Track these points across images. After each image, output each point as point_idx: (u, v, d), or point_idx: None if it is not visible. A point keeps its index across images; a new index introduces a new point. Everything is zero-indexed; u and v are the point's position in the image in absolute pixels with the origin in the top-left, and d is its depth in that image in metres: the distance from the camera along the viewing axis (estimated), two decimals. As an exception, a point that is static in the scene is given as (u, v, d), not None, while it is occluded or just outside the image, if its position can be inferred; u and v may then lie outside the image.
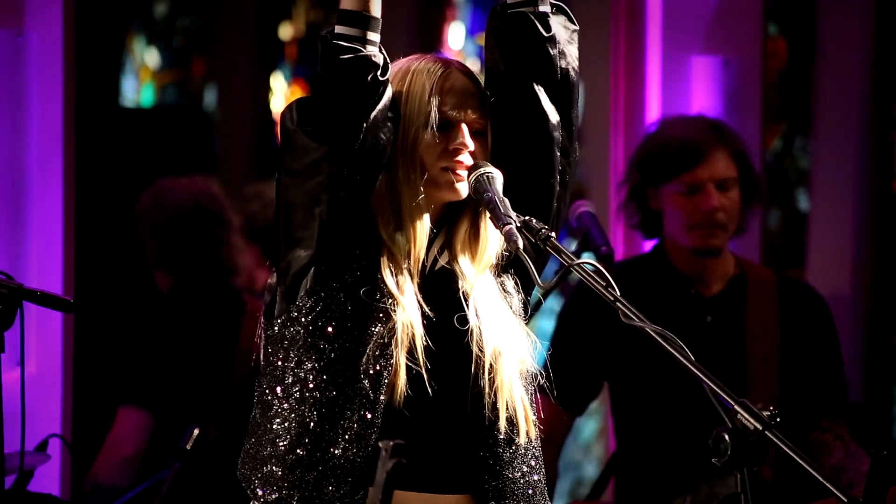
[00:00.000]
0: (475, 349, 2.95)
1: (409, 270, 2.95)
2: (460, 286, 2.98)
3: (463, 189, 2.95)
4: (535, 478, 3.01)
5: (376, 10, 2.94)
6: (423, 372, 2.91)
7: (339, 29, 2.91)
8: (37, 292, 3.20)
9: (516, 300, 3.02)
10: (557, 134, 3.02)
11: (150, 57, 9.56)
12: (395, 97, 2.95)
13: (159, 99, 9.57)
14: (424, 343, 2.92)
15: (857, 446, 4.22)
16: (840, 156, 6.48)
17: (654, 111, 5.27)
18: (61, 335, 4.29)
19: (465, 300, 2.97)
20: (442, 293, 2.97)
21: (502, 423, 2.96)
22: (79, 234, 4.39)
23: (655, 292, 4.23)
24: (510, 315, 3.00)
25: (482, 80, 3.06)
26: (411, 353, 2.91)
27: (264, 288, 3.03)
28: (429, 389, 2.92)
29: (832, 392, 4.27)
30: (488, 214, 2.91)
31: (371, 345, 2.90)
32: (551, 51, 3.02)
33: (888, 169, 6.62)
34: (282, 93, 9.44)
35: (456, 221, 3.00)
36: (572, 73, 3.06)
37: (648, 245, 4.52)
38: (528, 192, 3.01)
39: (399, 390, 2.90)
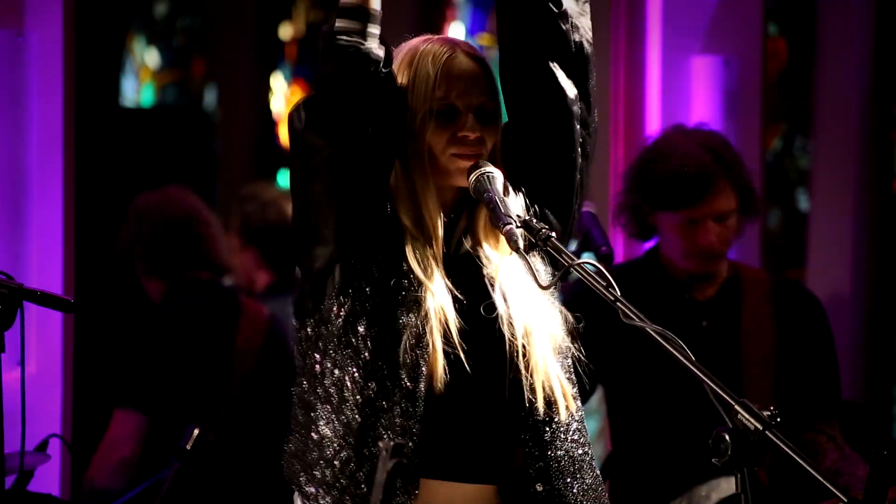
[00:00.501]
0: (507, 332, 2.94)
1: (434, 256, 2.95)
2: (485, 271, 2.97)
3: None
4: (580, 452, 2.99)
5: (376, 4, 2.94)
6: (461, 354, 2.90)
7: (339, 24, 2.91)
8: (37, 292, 3.20)
9: (543, 276, 2.98)
10: (576, 108, 3.01)
11: (150, 57, 9.56)
12: (402, 83, 2.95)
13: (159, 99, 9.57)
14: (459, 326, 2.91)
15: (850, 449, 4.22)
16: (840, 156, 6.48)
17: (654, 111, 5.27)
18: (61, 335, 4.29)
19: (492, 284, 2.96)
20: (467, 278, 2.97)
21: (540, 404, 2.94)
22: (79, 234, 4.38)
23: (649, 297, 4.21)
24: (537, 295, 2.98)
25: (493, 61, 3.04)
26: (446, 338, 2.91)
27: (292, 288, 3.04)
28: (468, 371, 2.91)
29: (825, 394, 4.26)
30: (489, 214, 2.91)
31: (406, 335, 2.90)
32: (563, 26, 3.00)
33: (888, 169, 6.62)
34: (282, 93, 9.44)
35: (477, 205, 2.98)
36: (586, 45, 3.04)
37: (648, 245, 4.52)
38: (549, 166, 3.00)
39: (438, 377, 2.89)
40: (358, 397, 2.90)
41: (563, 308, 3.03)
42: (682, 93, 5.29)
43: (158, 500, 4.02)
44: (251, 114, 9.45)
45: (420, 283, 2.92)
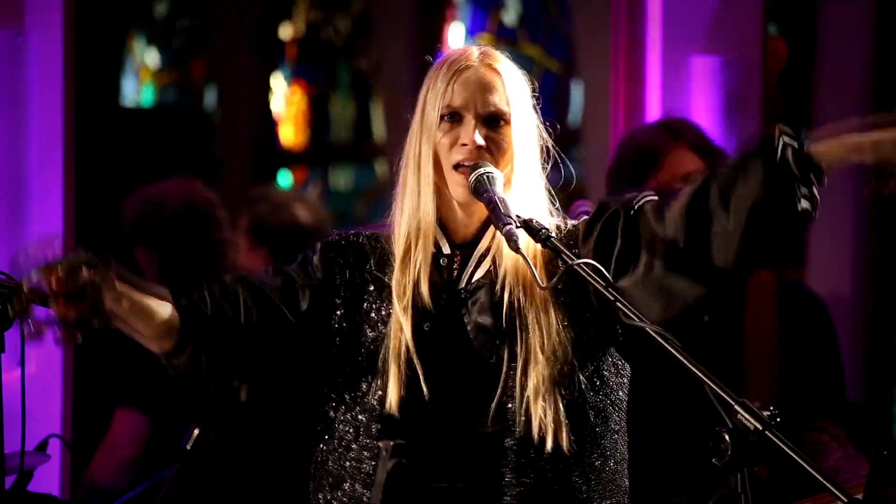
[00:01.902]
0: (504, 362, 2.93)
1: (416, 273, 2.96)
2: (498, 293, 2.96)
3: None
4: (577, 484, 2.95)
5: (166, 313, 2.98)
6: (421, 377, 2.91)
7: (178, 361, 3.02)
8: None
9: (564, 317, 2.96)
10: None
11: (150, 57, 9.56)
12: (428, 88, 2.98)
13: (159, 99, 9.57)
14: (413, 349, 2.92)
15: (854, 449, 4.22)
16: (840, 156, 6.46)
17: (654, 111, 5.27)
18: (61, 335, 4.28)
19: (502, 308, 2.95)
20: (474, 305, 2.97)
21: (534, 434, 2.92)
22: (79, 234, 4.38)
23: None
24: (551, 327, 2.94)
25: (513, 69, 3.03)
26: (411, 359, 2.92)
27: None
28: (428, 396, 2.92)
29: (829, 393, 4.27)
30: (489, 214, 2.91)
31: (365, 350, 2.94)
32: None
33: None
34: (282, 93, 9.44)
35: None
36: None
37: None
38: None
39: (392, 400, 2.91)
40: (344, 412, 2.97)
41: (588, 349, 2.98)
42: (682, 93, 5.29)
43: (158, 500, 4.02)
44: (251, 114, 9.45)
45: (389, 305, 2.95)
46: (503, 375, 2.92)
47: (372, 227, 3.08)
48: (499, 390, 2.91)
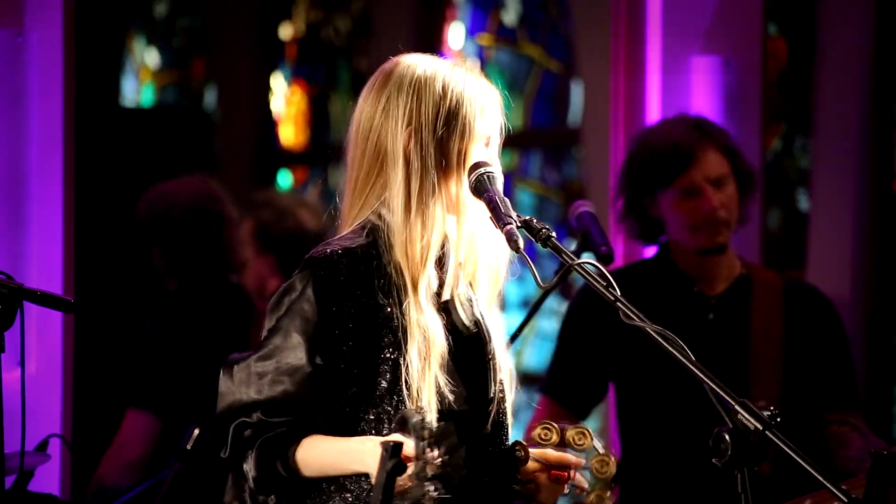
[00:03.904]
0: (491, 366, 2.96)
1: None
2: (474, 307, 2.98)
3: None
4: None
5: None
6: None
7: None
8: (37, 292, 3.20)
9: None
10: None
11: (150, 57, 9.56)
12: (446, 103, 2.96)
13: (159, 99, 9.57)
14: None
15: (875, 437, 4.23)
16: (840, 156, 6.47)
17: (654, 111, 5.27)
18: (61, 335, 4.29)
19: (481, 319, 2.98)
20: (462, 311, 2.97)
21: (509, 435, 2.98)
22: (79, 234, 4.38)
23: (658, 291, 4.23)
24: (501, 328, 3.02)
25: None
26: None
27: None
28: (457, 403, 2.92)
29: (844, 386, 4.28)
30: (489, 214, 2.91)
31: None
32: None
33: (888, 169, 6.62)
34: (282, 93, 9.44)
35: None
36: None
37: (647, 245, 4.52)
38: None
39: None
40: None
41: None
42: (682, 93, 5.28)
43: (158, 500, 4.02)
44: (251, 114, 9.45)
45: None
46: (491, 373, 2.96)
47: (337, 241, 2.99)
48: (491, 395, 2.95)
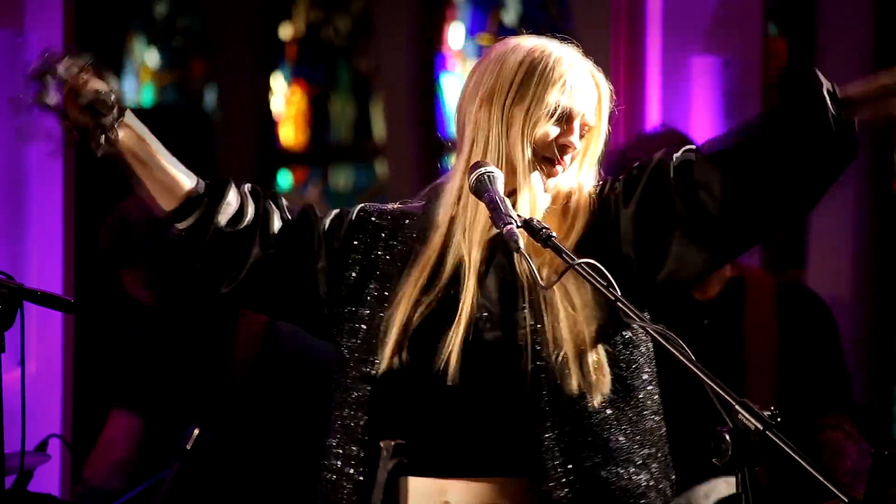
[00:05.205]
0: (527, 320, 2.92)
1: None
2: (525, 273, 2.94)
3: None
4: (620, 439, 2.94)
5: (187, 182, 2.98)
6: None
7: (182, 225, 2.96)
8: (37, 292, 3.20)
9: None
10: None
11: (150, 57, 9.56)
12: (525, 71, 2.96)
13: (159, 99, 9.56)
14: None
15: (866, 444, 4.22)
16: (840, 156, 6.46)
17: (654, 111, 5.27)
18: (61, 335, 4.29)
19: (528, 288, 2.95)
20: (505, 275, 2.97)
21: (571, 388, 2.90)
22: (79, 234, 4.38)
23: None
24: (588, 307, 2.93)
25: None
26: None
27: None
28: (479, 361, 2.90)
29: (834, 389, 4.27)
30: (489, 214, 2.90)
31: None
32: None
33: (888, 169, 6.62)
34: (282, 93, 9.44)
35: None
36: None
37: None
38: None
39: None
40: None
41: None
42: (682, 93, 5.29)
43: (158, 500, 4.02)
44: (251, 114, 9.45)
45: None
46: (529, 340, 2.91)
47: (404, 204, 3.09)
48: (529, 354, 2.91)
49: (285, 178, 9.41)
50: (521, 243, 2.80)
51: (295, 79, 9.43)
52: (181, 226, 2.98)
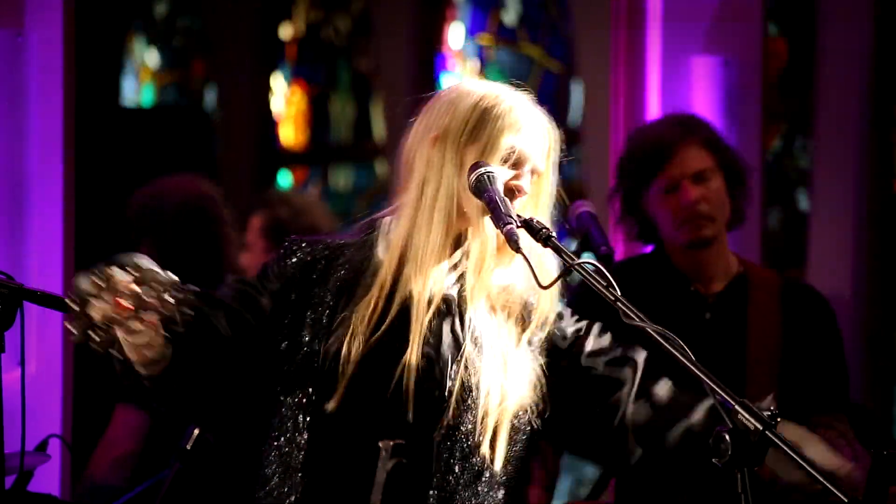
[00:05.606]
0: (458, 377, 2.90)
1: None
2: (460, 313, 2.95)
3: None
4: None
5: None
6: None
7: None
8: (37, 292, 3.20)
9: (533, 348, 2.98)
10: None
11: (150, 57, 9.56)
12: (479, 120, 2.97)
13: (159, 99, 9.57)
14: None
15: (861, 446, 4.22)
16: (840, 156, 6.48)
17: (654, 111, 5.27)
18: (61, 335, 4.29)
19: (462, 329, 2.94)
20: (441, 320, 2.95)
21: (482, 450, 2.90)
22: (79, 234, 4.38)
23: (654, 289, 4.23)
24: (512, 353, 2.95)
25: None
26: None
27: None
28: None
29: (832, 388, 4.27)
30: (489, 214, 2.90)
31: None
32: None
33: (888, 169, 6.62)
34: (282, 93, 9.45)
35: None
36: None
37: (648, 245, 4.52)
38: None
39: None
40: None
41: (540, 369, 2.97)
42: (682, 93, 5.29)
43: (158, 500, 4.02)
44: (251, 114, 9.45)
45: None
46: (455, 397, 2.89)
47: (338, 236, 3.06)
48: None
49: (285, 178, 9.41)
50: (521, 244, 2.80)
51: (295, 79, 9.43)
52: (158, 389, 2.95)
